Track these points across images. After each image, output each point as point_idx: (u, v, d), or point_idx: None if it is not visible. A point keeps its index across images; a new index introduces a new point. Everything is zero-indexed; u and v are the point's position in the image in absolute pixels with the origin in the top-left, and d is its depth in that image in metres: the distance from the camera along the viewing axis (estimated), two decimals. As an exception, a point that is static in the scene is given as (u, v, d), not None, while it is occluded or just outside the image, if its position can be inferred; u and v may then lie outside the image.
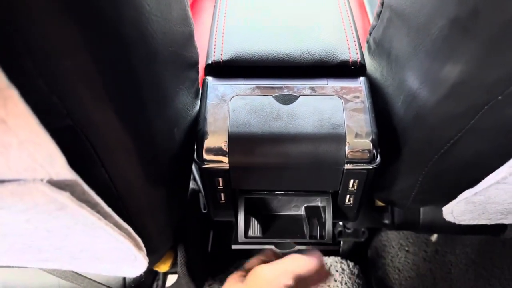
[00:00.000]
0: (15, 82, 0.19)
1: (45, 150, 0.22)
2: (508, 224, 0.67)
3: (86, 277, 0.53)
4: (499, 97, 0.33)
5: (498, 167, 0.35)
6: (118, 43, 0.27)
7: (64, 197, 0.25)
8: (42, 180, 0.24)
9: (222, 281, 0.74)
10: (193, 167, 0.58)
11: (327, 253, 0.79)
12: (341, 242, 0.83)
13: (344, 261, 0.77)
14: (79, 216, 0.28)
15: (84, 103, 0.27)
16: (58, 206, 0.26)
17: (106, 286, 0.55)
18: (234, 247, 0.48)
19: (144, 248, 0.36)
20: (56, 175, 0.24)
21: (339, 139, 0.42)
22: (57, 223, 0.30)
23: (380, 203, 0.70)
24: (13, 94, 0.19)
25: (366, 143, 0.42)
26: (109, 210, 0.29)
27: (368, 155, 0.42)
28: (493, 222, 0.50)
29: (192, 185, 0.61)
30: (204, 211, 0.63)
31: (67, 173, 0.24)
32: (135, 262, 0.38)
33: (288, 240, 0.48)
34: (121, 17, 0.26)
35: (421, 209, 0.72)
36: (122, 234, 0.32)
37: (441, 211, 0.50)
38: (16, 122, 0.20)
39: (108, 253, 0.37)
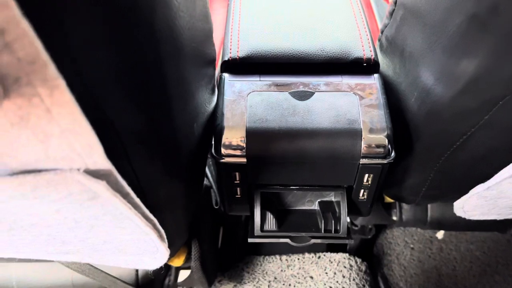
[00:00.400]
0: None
1: (85, 139, 0.23)
2: (515, 220, 0.68)
3: (102, 271, 0.53)
4: None
5: (510, 162, 0.36)
6: (150, 38, 0.28)
7: (101, 186, 0.25)
8: (78, 169, 0.24)
9: (231, 277, 0.75)
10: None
11: (336, 249, 0.79)
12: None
13: (352, 258, 0.77)
14: (109, 206, 0.28)
15: (113, 97, 0.28)
16: (91, 196, 0.27)
17: (121, 280, 0.56)
18: (250, 240, 0.49)
19: (166, 240, 0.37)
20: (93, 164, 0.24)
21: (355, 134, 0.43)
22: (86, 213, 0.30)
23: (388, 200, 0.71)
24: (61, 84, 0.20)
25: (381, 138, 0.43)
26: (138, 200, 0.30)
27: (383, 150, 0.43)
28: (502, 217, 0.51)
29: (205, 181, 0.62)
30: (216, 207, 0.63)
31: (104, 162, 0.24)
32: (157, 254, 0.38)
33: (303, 234, 0.49)
34: (154, 13, 0.27)
35: (429, 206, 0.73)
36: (148, 225, 0.32)
37: (449, 207, 0.51)
38: (60, 111, 0.21)
39: (131, 245, 0.37)
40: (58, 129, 0.22)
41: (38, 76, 0.19)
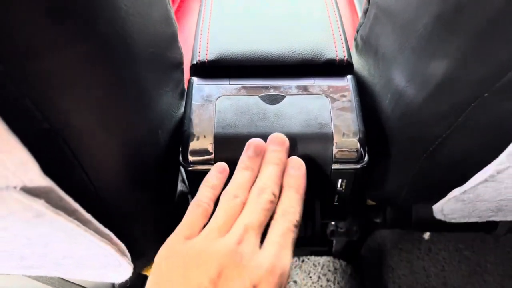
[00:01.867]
0: None
1: (17, 157, 0.22)
2: (499, 221, 0.67)
3: (73, 283, 0.52)
4: (486, 94, 0.33)
5: (486, 165, 0.35)
6: (94, 44, 0.27)
7: (39, 205, 0.24)
8: (15, 187, 0.23)
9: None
10: (182, 169, 0.58)
11: (319, 253, 0.78)
12: (334, 242, 0.82)
13: (336, 261, 0.76)
14: (57, 223, 0.27)
15: (60, 106, 0.26)
16: (35, 214, 0.26)
17: (94, 291, 0.55)
18: None
19: (127, 253, 0.35)
20: (30, 182, 0.23)
21: (326, 138, 0.41)
22: (36, 231, 0.29)
23: (371, 202, 0.70)
24: None
25: (354, 142, 0.41)
26: (88, 216, 0.29)
27: (356, 154, 0.42)
28: (483, 220, 0.50)
29: (180, 187, 0.60)
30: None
31: (41, 180, 0.23)
32: (120, 268, 0.37)
33: None
34: (97, 18, 0.26)
35: (413, 207, 0.72)
36: (103, 240, 0.31)
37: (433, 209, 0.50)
38: None
39: (92, 259, 0.36)
40: (-14, 149, 0.21)
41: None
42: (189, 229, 0.35)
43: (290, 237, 0.34)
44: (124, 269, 0.37)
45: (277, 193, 0.36)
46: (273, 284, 0.31)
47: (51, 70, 0.24)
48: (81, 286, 0.53)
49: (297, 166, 0.39)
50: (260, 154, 0.39)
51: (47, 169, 0.23)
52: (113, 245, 0.32)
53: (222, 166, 0.40)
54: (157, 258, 0.34)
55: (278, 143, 0.40)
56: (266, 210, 0.35)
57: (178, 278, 0.31)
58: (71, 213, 0.27)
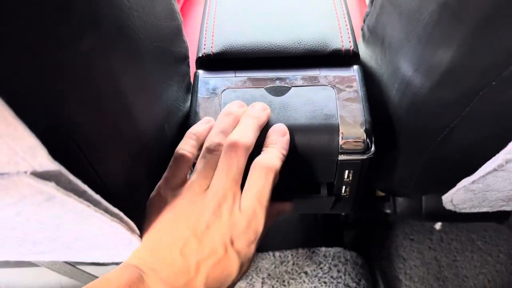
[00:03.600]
0: None
1: (25, 143, 0.22)
2: (512, 211, 0.66)
3: (85, 272, 0.53)
4: (493, 83, 0.32)
5: (495, 154, 0.34)
6: (97, 40, 0.27)
7: (50, 187, 0.25)
8: (25, 172, 0.24)
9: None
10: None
11: (330, 244, 0.78)
12: (344, 233, 0.82)
13: (347, 251, 0.76)
14: (68, 205, 0.28)
15: (65, 103, 0.27)
16: (46, 197, 0.26)
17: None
18: None
19: (137, 231, 0.36)
20: (39, 166, 0.24)
21: (332, 129, 0.41)
22: (47, 214, 0.30)
23: (380, 193, 0.69)
24: None
25: (360, 132, 0.41)
26: (97, 197, 0.29)
27: (362, 145, 0.41)
28: (494, 209, 0.50)
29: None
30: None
31: (49, 164, 0.24)
32: (131, 245, 0.38)
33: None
34: (98, 14, 0.26)
35: (423, 197, 0.71)
36: (113, 219, 0.32)
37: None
38: None
39: (103, 240, 0.37)
40: (-5, 136, 0.21)
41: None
42: (174, 178, 0.38)
43: (265, 196, 0.37)
44: (135, 246, 0.38)
45: (253, 141, 0.39)
46: (247, 240, 0.36)
47: (55, 67, 0.25)
48: (93, 275, 0.54)
49: (282, 132, 0.41)
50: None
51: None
52: (124, 223, 0.33)
53: (209, 118, 0.42)
54: (148, 206, 0.38)
55: (259, 108, 0.42)
56: (242, 161, 0.38)
57: (167, 227, 0.36)
58: (80, 194, 0.28)
